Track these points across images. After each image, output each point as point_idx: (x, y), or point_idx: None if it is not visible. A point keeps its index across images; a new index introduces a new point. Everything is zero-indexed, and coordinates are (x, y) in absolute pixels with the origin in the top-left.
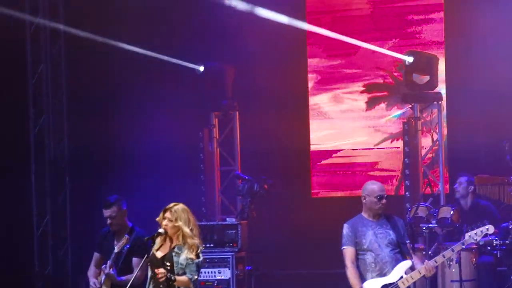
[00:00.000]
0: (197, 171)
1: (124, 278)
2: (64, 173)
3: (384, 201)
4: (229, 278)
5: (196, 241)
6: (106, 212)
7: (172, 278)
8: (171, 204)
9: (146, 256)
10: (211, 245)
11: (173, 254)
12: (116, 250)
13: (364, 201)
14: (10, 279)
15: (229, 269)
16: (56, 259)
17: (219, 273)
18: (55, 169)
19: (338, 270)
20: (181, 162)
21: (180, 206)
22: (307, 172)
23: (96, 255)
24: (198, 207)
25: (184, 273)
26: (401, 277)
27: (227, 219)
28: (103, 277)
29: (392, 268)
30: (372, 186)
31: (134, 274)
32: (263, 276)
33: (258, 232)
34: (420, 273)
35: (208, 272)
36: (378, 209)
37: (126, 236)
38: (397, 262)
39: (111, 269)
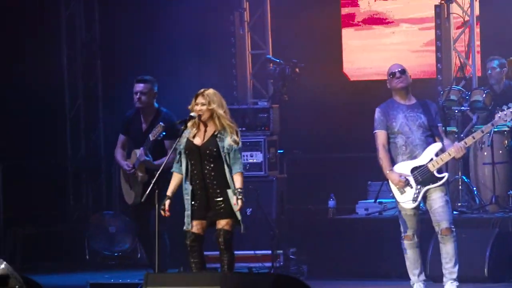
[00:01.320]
0: (228, 55)
1: (159, 161)
2: (95, 56)
3: (398, 76)
4: (261, 161)
5: (234, 124)
6: (139, 87)
7: (242, 198)
8: (201, 90)
9: (177, 140)
10: (243, 128)
11: (217, 139)
12: (151, 138)
13: (388, 86)
14: (43, 163)
15: (261, 153)
16: (89, 142)
17: (251, 156)
18: (86, 52)
19: (370, 153)
20: (212, 46)
21: (211, 90)
22: (339, 54)
23: (122, 137)
24: (229, 91)
25: (229, 157)
26: (431, 159)
27: (259, 102)
28: (136, 162)
29: (423, 151)
30: (388, 68)
31: (168, 157)
32: (294, 159)
33: (289, 116)
34: (450, 155)
35: None
36: (395, 85)
37: (161, 124)
38: (427, 145)
39: (145, 156)
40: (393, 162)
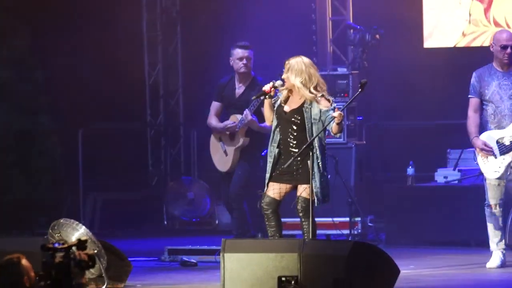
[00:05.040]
0: (309, 21)
1: (263, 125)
2: (176, 22)
3: (508, 50)
4: None
5: (318, 92)
6: (244, 52)
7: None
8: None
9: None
10: None
11: (303, 109)
12: (253, 97)
13: (491, 49)
14: (122, 129)
15: None
16: (168, 108)
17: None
18: (166, 18)
19: (449, 121)
20: (292, 12)
21: (294, 59)
22: (419, 20)
23: (216, 104)
24: (309, 57)
25: (318, 126)
26: None
27: (338, 69)
28: (240, 123)
29: (511, 121)
30: (499, 35)
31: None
32: (374, 126)
33: (369, 83)
34: None
35: None
36: (502, 58)
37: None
38: None
39: (251, 116)
40: (482, 129)
